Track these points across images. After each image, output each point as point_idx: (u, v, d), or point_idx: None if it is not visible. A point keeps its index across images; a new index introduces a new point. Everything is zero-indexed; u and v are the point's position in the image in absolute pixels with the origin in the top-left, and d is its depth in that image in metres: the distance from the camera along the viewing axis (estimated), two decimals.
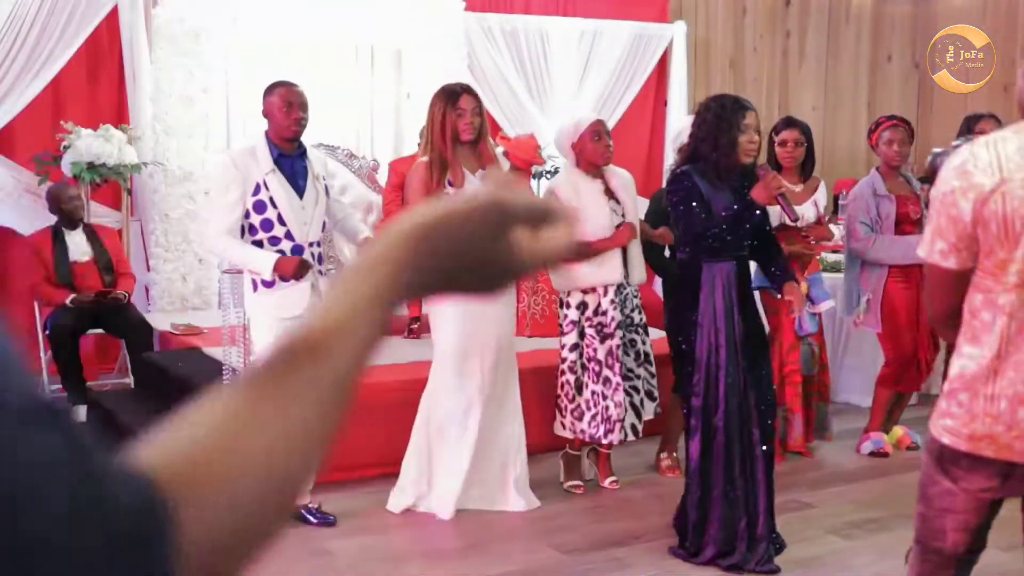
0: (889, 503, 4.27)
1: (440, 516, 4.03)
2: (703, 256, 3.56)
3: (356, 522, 4.00)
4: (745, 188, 3.55)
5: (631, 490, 4.44)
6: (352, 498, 4.23)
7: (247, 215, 3.73)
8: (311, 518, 3.94)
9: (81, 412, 5.41)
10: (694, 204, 3.52)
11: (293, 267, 3.65)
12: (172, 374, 4.95)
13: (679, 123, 4.70)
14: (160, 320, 6.13)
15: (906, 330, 4.92)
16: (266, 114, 3.79)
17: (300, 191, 3.77)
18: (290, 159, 3.78)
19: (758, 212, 3.51)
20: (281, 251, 3.71)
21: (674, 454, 4.70)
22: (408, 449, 4.16)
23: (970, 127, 5.36)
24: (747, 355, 3.56)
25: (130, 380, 5.73)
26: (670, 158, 4.73)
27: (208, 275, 6.62)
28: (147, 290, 6.74)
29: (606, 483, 4.46)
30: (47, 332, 5.60)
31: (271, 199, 3.70)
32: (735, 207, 3.50)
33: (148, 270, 6.74)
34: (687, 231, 3.57)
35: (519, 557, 3.69)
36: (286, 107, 3.72)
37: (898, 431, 5.21)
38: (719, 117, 3.52)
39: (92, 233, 5.81)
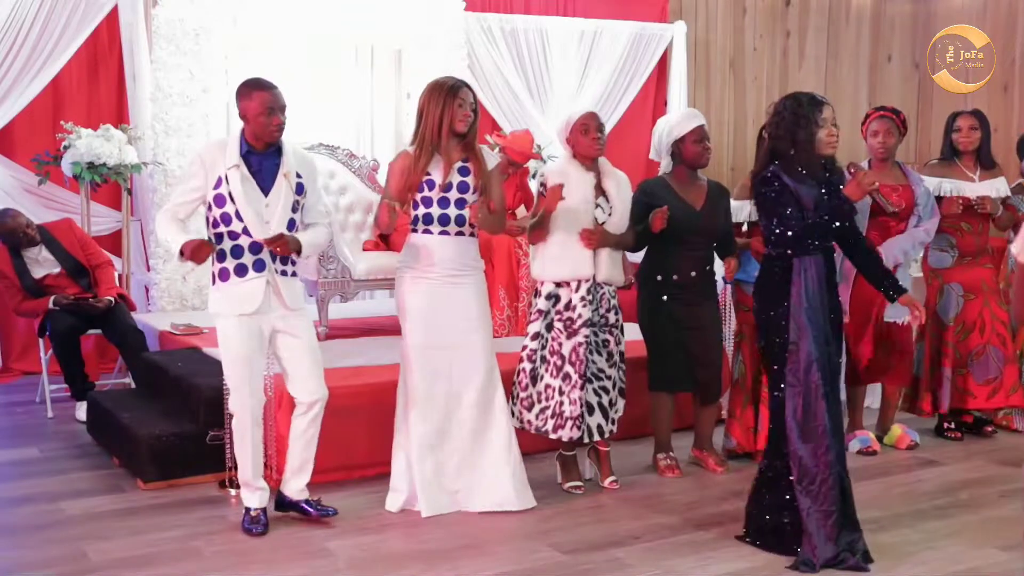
0: (889, 503, 4.27)
1: (423, 514, 4.02)
2: (796, 251, 3.60)
3: (355, 522, 3.99)
4: (831, 180, 3.67)
5: (631, 490, 4.44)
6: (351, 498, 4.23)
7: (210, 208, 3.76)
8: (311, 510, 3.95)
9: (82, 409, 5.41)
10: (787, 204, 3.57)
11: (191, 248, 3.64)
12: (172, 374, 4.95)
13: (660, 127, 4.62)
14: (160, 320, 6.13)
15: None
16: (243, 116, 3.75)
17: (265, 188, 3.76)
18: (259, 156, 3.77)
19: (848, 208, 3.62)
20: (239, 246, 3.74)
21: (671, 453, 4.70)
22: (393, 447, 4.17)
23: (949, 124, 5.32)
24: (834, 346, 3.65)
25: (130, 380, 5.73)
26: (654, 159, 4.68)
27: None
28: (147, 290, 6.74)
29: (606, 483, 4.46)
30: (47, 333, 5.59)
31: (230, 194, 3.70)
32: (827, 201, 3.59)
33: (148, 270, 6.74)
34: (782, 229, 3.58)
35: (519, 557, 3.69)
36: (267, 112, 3.69)
37: (897, 430, 5.21)
38: (796, 114, 3.62)
39: (49, 239, 5.67)
